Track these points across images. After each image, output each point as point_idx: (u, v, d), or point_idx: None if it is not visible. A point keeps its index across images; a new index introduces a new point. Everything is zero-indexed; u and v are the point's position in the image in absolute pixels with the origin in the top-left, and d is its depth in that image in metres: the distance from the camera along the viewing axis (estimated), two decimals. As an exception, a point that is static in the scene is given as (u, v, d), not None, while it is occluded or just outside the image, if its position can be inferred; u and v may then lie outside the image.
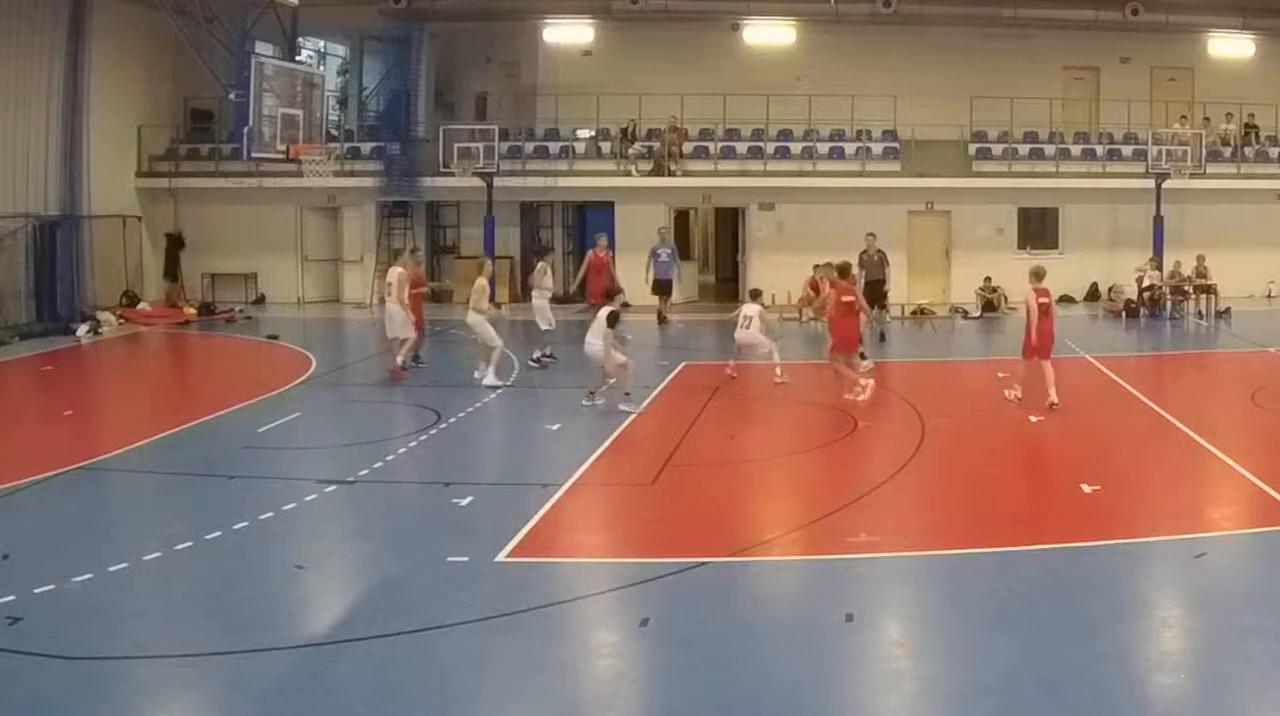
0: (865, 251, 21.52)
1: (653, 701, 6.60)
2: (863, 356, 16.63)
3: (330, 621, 7.79)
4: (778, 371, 15.97)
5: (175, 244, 27.20)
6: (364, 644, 7.16)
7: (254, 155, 20.48)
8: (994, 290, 25.38)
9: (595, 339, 14.28)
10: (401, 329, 16.62)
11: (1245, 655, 6.79)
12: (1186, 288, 25.09)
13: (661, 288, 24.48)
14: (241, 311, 26.00)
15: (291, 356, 19.53)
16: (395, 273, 16.89)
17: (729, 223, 30.32)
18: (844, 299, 14.95)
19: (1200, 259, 25.20)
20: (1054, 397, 13.75)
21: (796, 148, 27.54)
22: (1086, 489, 10.38)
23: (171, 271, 27.13)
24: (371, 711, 6.32)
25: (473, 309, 16.12)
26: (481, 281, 16.40)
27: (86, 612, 7.65)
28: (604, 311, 14.47)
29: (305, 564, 8.84)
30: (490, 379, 15.80)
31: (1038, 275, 14.58)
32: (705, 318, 25.44)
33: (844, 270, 15.52)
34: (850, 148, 27.45)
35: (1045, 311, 14.42)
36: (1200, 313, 24.91)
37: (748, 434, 13.64)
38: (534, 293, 18.25)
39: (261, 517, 9.69)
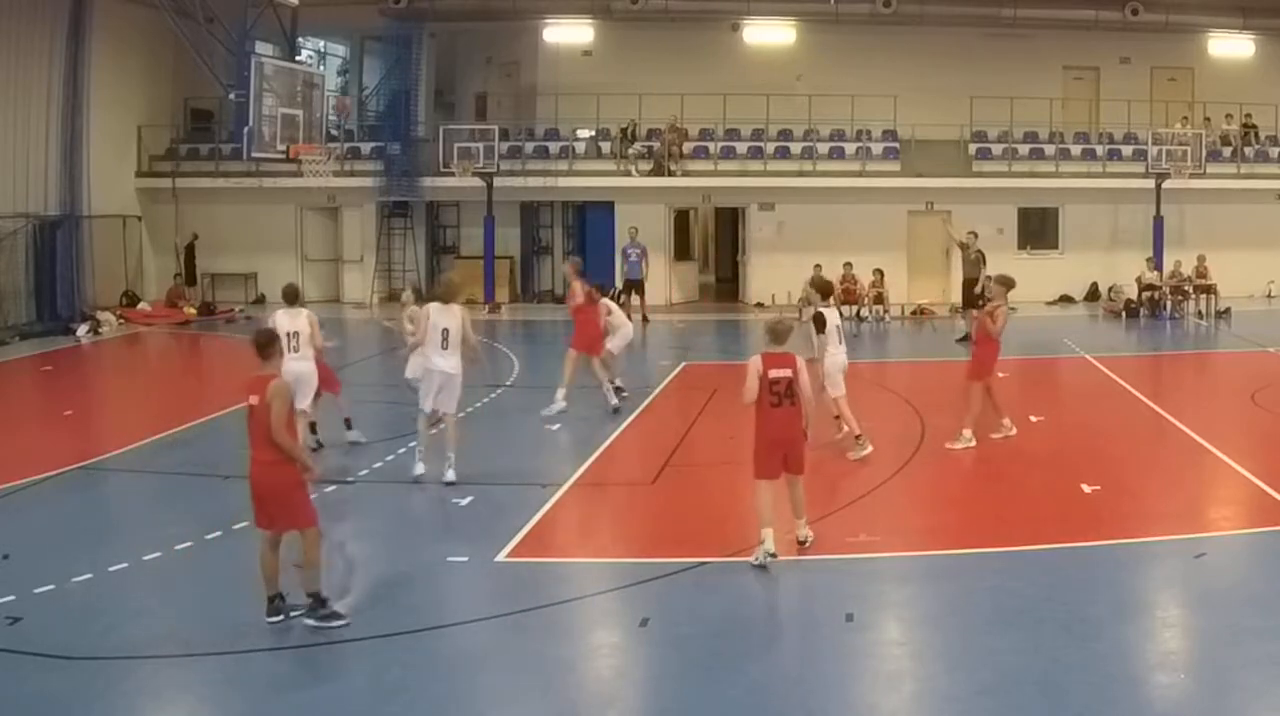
0: (966, 249, 21.00)
1: (653, 701, 6.60)
2: None
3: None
4: None
5: (190, 250, 27.12)
6: (364, 644, 7.16)
7: (254, 155, 20.52)
8: (994, 290, 25.34)
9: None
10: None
11: (1245, 655, 6.79)
12: (1186, 288, 25.08)
13: (631, 286, 24.51)
14: (241, 311, 25.99)
15: (291, 356, 19.47)
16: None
17: (729, 223, 30.30)
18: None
19: (1200, 259, 25.21)
20: None
21: (796, 148, 27.53)
22: (1086, 489, 10.39)
23: (191, 276, 27.01)
24: (371, 711, 6.33)
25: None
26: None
27: (86, 612, 7.66)
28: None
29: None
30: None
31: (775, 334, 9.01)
32: (704, 318, 25.59)
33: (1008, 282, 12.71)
34: (850, 148, 27.44)
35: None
36: (1200, 313, 24.91)
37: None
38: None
39: (261, 517, 9.68)
